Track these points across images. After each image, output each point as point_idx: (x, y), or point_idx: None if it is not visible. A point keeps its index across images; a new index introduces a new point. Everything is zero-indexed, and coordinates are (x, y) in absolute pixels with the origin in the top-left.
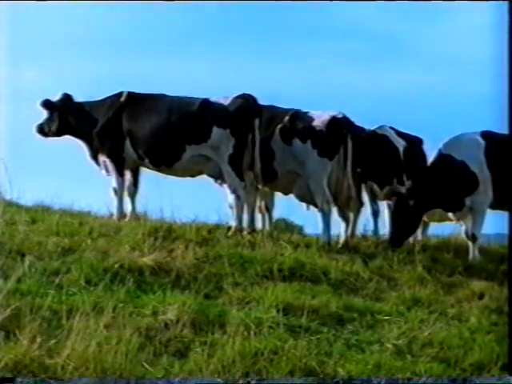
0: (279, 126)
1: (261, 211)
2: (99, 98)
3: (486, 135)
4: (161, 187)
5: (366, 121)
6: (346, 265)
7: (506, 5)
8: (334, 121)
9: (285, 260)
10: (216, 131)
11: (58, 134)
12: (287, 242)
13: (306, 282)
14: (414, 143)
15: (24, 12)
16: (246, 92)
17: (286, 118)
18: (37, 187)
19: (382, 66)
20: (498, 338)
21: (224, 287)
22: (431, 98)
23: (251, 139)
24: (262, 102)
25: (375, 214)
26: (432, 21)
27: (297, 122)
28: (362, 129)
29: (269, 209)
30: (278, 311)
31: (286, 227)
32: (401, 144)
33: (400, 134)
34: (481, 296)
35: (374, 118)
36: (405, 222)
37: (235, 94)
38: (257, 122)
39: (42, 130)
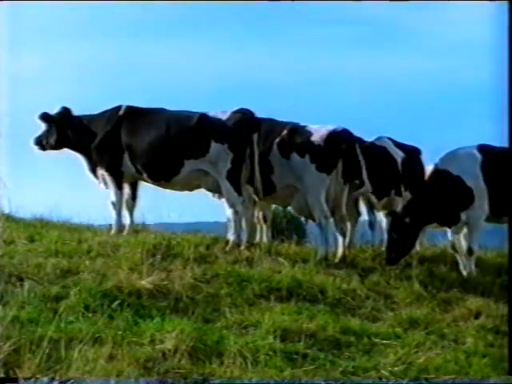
0: (277, 140)
1: (258, 222)
2: (97, 112)
3: (482, 149)
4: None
5: (365, 108)
6: (344, 281)
7: (505, 5)
8: (332, 135)
9: (282, 278)
10: (214, 146)
11: (57, 147)
12: (285, 255)
13: (304, 302)
14: (412, 154)
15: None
16: (245, 76)
17: (285, 132)
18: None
19: (381, 52)
20: (493, 361)
21: (222, 309)
22: (430, 83)
23: (249, 154)
24: (260, 89)
25: (372, 225)
26: (432, 10)
27: (295, 137)
28: (362, 140)
29: (266, 219)
30: (275, 337)
31: (285, 215)
32: (399, 155)
33: (398, 145)
34: (477, 315)
35: (373, 104)
36: (401, 240)
37: (234, 109)
38: (255, 136)
39: (41, 142)
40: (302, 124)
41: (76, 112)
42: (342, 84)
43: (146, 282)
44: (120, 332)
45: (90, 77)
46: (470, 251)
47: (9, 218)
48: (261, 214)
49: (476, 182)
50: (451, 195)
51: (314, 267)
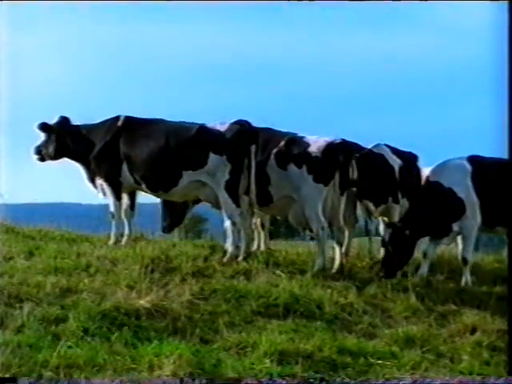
0: (275, 151)
1: (256, 228)
2: (96, 122)
3: (472, 160)
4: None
5: (366, 87)
6: (341, 295)
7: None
8: (329, 146)
9: (280, 294)
10: (212, 157)
11: (56, 156)
12: (282, 266)
13: (301, 319)
14: (409, 160)
15: None
16: (241, 52)
17: (282, 142)
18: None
19: (383, 33)
20: (488, 380)
21: (220, 329)
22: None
23: (247, 165)
24: (260, 66)
25: (369, 232)
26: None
27: (292, 147)
28: (360, 147)
29: (264, 226)
30: (272, 360)
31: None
32: (396, 162)
33: (395, 152)
34: (473, 330)
35: (374, 82)
36: (399, 252)
37: (232, 120)
38: (253, 148)
39: (40, 152)
40: (300, 135)
41: (76, 109)
42: (342, 64)
43: (144, 302)
44: (119, 357)
45: (89, 68)
46: (464, 261)
47: (8, 230)
48: (258, 220)
49: (467, 193)
50: (443, 207)
51: (311, 280)
